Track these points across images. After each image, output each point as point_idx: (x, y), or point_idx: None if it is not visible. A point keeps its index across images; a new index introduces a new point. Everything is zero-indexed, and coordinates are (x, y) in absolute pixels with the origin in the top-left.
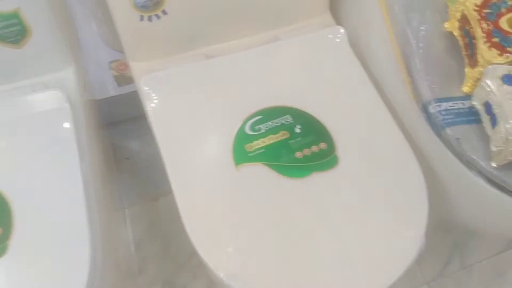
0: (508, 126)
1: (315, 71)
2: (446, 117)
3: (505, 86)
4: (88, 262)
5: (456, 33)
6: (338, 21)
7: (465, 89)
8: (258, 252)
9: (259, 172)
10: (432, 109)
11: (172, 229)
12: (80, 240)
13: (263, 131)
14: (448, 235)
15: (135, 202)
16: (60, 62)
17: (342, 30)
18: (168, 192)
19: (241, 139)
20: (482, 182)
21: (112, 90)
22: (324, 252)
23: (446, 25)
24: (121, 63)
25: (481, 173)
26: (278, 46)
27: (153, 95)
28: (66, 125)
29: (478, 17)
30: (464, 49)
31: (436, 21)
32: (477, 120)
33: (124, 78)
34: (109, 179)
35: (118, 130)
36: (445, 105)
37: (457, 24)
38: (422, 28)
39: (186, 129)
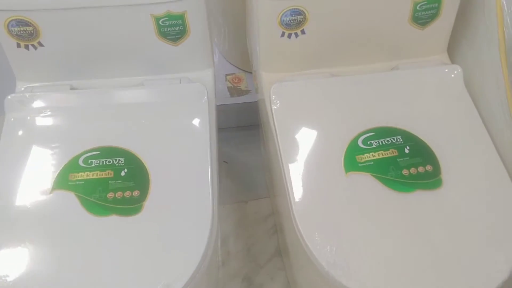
0: None
1: (428, 101)
2: None
3: None
4: (209, 229)
5: None
6: (454, 60)
7: None
8: (360, 249)
9: (366, 181)
10: None
11: (256, 232)
12: (204, 210)
13: (374, 146)
14: None
15: (226, 202)
16: (204, 63)
17: (459, 69)
18: (258, 197)
19: (353, 150)
20: None
21: (225, 99)
22: (421, 259)
23: None
24: (236, 76)
25: None
26: (398, 75)
27: (279, 101)
28: (203, 114)
29: None
30: None
31: None
32: None
33: (236, 90)
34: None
35: (221, 136)
36: None
37: None
38: None
39: (304, 134)
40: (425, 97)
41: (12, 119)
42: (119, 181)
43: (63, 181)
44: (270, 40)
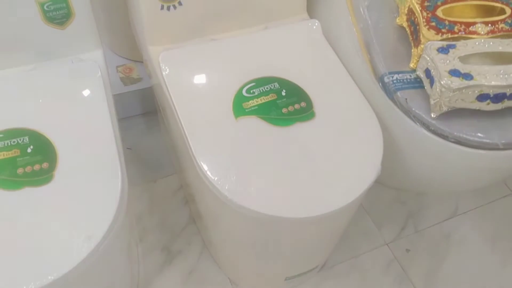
0: (443, 82)
1: (296, 52)
2: (397, 84)
3: (440, 55)
4: (119, 191)
5: (404, 24)
6: (313, 16)
7: (412, 65)
8: (255, 176)
9: (254, 122)
10: (386, 79)
11: (168, 206)
12: (112, 171)
13: (256, 93)
14: (403, 206)
15: (136, 184)
16: (92, 44)
17: (317, 23)
18: (165, 175)
19: (239, 99)
20: (425, 131)
21: (119, 89)
22: (306, 175)
23: (397, 20)
24: (126, 67)
25: (424, 124)
26: (269, 33)
27: (168, 67)
28: (99, 86)
29: (420, 8)
30: (411, 35)
31: (390, 18)
32: (421, 86)
33: (129, 79)
34: None
35: (122, 125)
36: (396, 76)
37: (405, 17)
38: (379, 22)
39: (195, 92)
40: (293, 48)
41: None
42: (27, 157)
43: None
44: (152, 14)
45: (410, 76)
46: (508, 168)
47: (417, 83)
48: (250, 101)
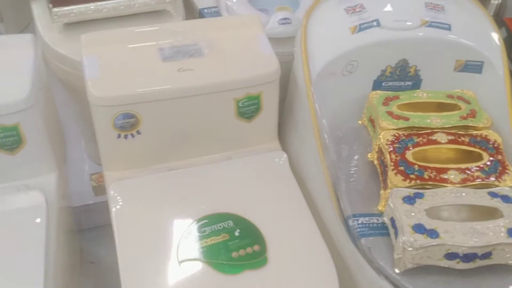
0: (404, 238)
1: (259, 187)
2: (362, 229)
3: (405, 205)
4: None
5: (375, 162)
6: (285, 146)
7: (380, 207)
8: None
9: (198, 268)
10: (351, 222)
11: None
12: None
13: (207, 232)
14: None
15: None
16: (45, 168)
17: (284, 156)
18: None
19: (187, 239)
20: (388, 287)
21: (89, 199)
22: None
23: (369, 155)
24: (100, 175)
25: (387, 278)
26: (230, 164)
27: (119, 198)
28: (38, 220)
29: (389, 150)
30: (381, 175)
31: (362, 153)
32: (388, 234)
33: (101, 188)
34: (71, 279)
35: (90, 236)
36: (362, 220)
37: (376, 155)
38: (351, 157)
39: (142, 229)
40: (255, 183)
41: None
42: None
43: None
44: (108, 142)
45: (378, 220)
46: None
47: (384, 229)
48: (199, 242)
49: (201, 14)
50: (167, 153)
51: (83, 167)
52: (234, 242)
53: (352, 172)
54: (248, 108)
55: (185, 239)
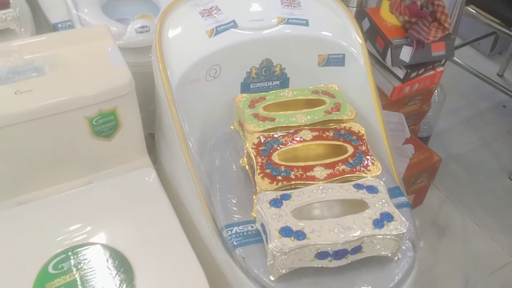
0: (273, 244)
1: (124, 210)
2: (236, 239)
3: (272, 209)
4: None
5: (247, 167)
6: (160, 160)
7: (254, 214)
8: None
9: None
10: (225, 233)
11: None
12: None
13: (65, 269)
14: None
15: None
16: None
17: (153, 174)
18: None
19: (43, 279)
20: None
21: None
22: None
23: (241, 161)
24: None
25: (264, 287)
26: (90, 189)
27: None
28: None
29: (255, 153)
30: (252, 180)
31: (235, 159)
32: (262, 240)
33: None
34: None
35: None
36: (235, 229)
37: (246, 160)
38: (224, 165)
39: None
40: (121, 204)
41: None
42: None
43: None
44: None
45: (252, 227)
46: None
47: (259, 236)
48: (56, 280)
49: (54, 29)
50: (17, 185)
51: None
52: (94, 276)
53: (226, 180)
54: (105, 126)
55: (39, 279)
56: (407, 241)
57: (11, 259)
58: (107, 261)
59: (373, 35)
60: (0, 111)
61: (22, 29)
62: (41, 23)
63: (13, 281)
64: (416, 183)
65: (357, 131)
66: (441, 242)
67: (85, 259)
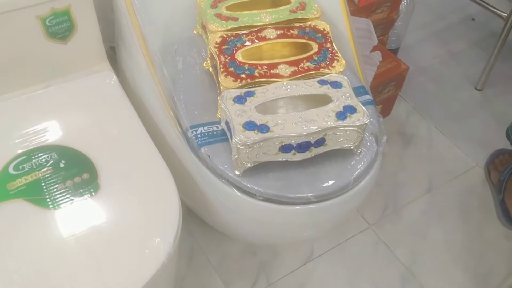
0: (237, 138)
1: (85, 112)
2: (201, 139)
3: (236, 105)
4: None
5: (210, 69)
6: (121, 68)
7: (218, 115)
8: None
9: (19, 208)
10: (190, 134)
11: None
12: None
13: (26, 169)
14: (254, 257)
15: None
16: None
17: (114, 76)
18: None
19: (4, 179)
20: (231, 190)
21: None
22: (79, 268)
23: (204, 64)
24: None
25: (230, 182)
26: (48, 92)
27: None
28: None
29: (217, 52)
30: (216, 81)
31: (199, 62)
32: (227, 139)
33: None
34: None
35: None
36: (201, 130)
37: (210, 62)
38: (187, 68)
39: None
40: (82, 107)
41: None
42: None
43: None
44: None
45: (217, 127)
46: (325, 220)
47: (224, 135)
48: (18, 180)
49: None
50: None
51: None
52: (60, 174)
53: (190, 83)
54: (59, 27)
55: (1, 179)
56: (370, 136)
57: None
58: (69, 161)
59: None
60: None
61: None
62: None
63: None
64: (383, 93)
65: (322, 29)
66: (407, 150)
67: (47, 160)
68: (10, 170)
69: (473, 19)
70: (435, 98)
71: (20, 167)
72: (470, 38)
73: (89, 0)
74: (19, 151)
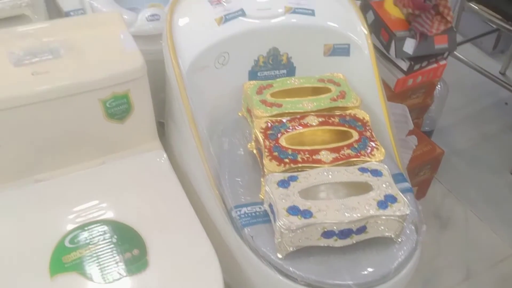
0: (281, 222)
1: (136, 189)
2: (245, 219)
3: (280, 189)
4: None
5: (255, 151)
6: (170, 145)
7: (261, 195)
8: None
9: (72, 281)
10: (234, 213)
11: None
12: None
13: (81, 243)
14: None
15: None
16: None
17: (164, 155)
18: None
19: (60, 252)
20: (273, 273)
21: None
22: None
23: (249, 145)
24: None
25: (272, 264)
26: (103, 169)
27: None
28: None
29: (263, 137)
30: (260, 164)
31: (243, 144)
32: (270, 220)
33: None
34: None
35: None
36: (244, 210)
37: (254, 144)
38: (232, 149)
39: (9, 246)
40: (133, 184)
41: None
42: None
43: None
44: None
45: (260, 208)
46: None
47: (267, 217)
48: (73, 253)
49: (67, 17)
50: (34, 164)
51: None
52: (112, 248)
53: (235, 164)
54: (118, 109)
55: (58, 252)
56: (410, 225)
57: (30, 232)
58: (121, 236)
59: (377, 27)
60: (18, 91)
61: (36, 16)
62: (53, 11)
63: (32, 253)
64: (419, 175)
65: (361, 118)
66: (443, 234)
67: (100, 234)
68: (66, 243)
69: (506, 103)
70: (470, 181)
71: (75, 240)
72: (504, 122)
73: (146, 85)
74: (75, 225)
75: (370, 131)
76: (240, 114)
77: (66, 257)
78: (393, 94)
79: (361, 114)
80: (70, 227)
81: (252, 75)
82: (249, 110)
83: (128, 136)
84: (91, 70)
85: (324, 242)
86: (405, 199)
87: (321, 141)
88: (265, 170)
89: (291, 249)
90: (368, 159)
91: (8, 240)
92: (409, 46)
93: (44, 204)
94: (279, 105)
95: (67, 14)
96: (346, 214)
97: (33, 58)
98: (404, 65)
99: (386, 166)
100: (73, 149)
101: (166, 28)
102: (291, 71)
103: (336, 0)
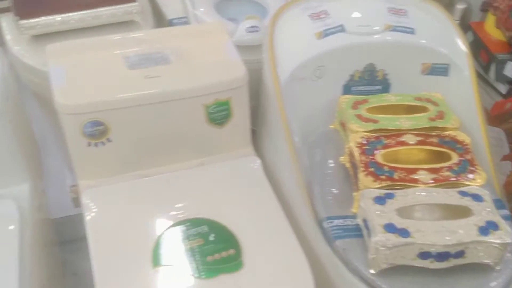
0: (377, 238)
1: (233, 192)
2: (337, 231)
3: (376, 205)
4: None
5: (347, 165)
6: (260, 152)
7: (354, 209)
8: None
9: (174, 273)
10: (326, 225)
11: None
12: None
13: (181, 238)
14: None
15: None
16: (17, 179)
17: (258, 162)
18: None
19: (161, 244)
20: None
21: (69, 210)
22: None
23: (341, 158)
24: None
25: (363, 279)
26: (203, 170)
27: (92, 206)
28: (11, 228)
29: (359, 151)
30: (353, 178)
31: (335, 156)
32: (362, 235)
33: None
34: None
35: (73, 247)
36: (336, 222)
37: (347, 158)
38: (323, 161)
39: (116, 236)
40: (229, 188)
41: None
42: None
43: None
44: (78, 150)
45: (352, 222)
46: None
47: (358, 231)
48: (172, 247)
49: (170, 24)
50: (139, 160)
51: (63, 179)
52: (209, 246)
53: (325, 175)
54: (219, 114)
55: (159, 245)
56: (508, 253)
57: (135, 223)
58: (218, 235)
59: (477, 48)
60: (131, 92)
61: (144, 22)
62: (157, 18)
63: (137, 243)
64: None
65: (461, 140)
66: None
67: (199, 232)
68: (167, 237)
69: None
70: None
71: (176, 235)
72: None
73: (246, 94)
74: (176, 220)
75: (471, 154)
76: (331, 126)
77: (166, 250)
78: (489, 117)
79: (461, 136)
80: (171, 222)
81: (346, 89)
82: (342, 124)
83: (225, 141)
84: (198, 77)
85: (419, 263)
86: (507, 227)
87: (416, 161)
88: (360, 185)
89: (384, 266)
90: (468, 183)
91: (116, 229)
92: (510, 69)
93: (149, 198)
94: (375, 121)
95: (170, 22)
96: (446, 237)
97: (147, 62)
98: (503, 89)
99: (487, 192)
100: (175, 148)
101: (268, 39)
102: (385, 87)
103: (437, 19)
